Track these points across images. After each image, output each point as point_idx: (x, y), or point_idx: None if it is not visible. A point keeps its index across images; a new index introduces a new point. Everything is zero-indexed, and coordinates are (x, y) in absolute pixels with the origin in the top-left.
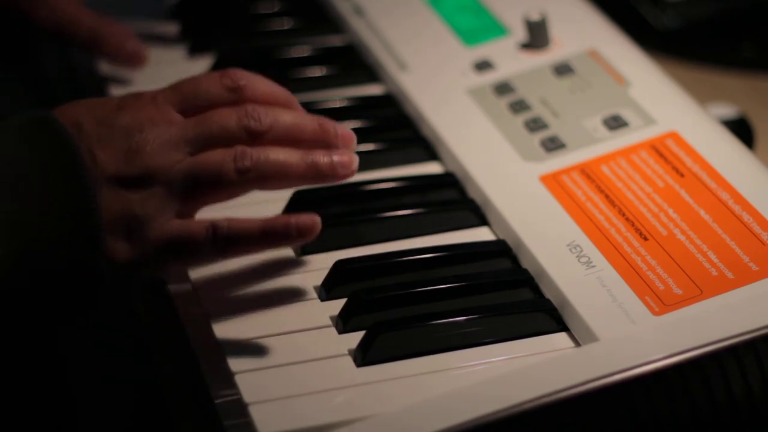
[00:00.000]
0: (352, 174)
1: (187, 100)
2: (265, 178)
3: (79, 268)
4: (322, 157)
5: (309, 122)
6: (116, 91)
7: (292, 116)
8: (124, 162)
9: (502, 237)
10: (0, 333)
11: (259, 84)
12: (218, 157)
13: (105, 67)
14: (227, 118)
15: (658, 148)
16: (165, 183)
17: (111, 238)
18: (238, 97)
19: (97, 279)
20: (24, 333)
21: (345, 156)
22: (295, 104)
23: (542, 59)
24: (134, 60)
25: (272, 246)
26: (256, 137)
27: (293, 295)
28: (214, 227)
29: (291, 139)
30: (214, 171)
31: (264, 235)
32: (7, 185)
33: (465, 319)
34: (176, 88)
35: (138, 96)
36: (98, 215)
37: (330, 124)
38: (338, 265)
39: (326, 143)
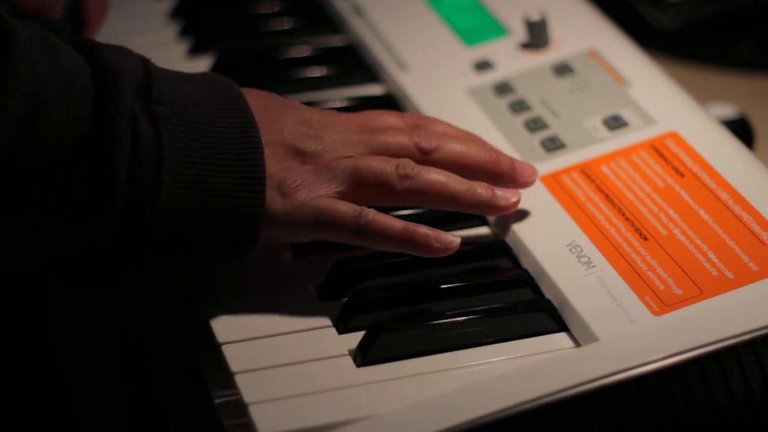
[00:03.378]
0: (511, 208)
1: (368, 120)
2: (423, 191)
3: (242, 201)
4: (481, 187)
5: (480, 151)
6: None
7: (462, 144)
8: (299, 138)
9: (502, 237)
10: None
11: (437, 122)
12: (383, 161)
13: None
14: (400, 133)
15: (658, 148)
16: (329, 167)
17: (270, 188)
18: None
19: (257, 218)
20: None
21: (507, 193)
22: (476, 141)
23: (542, 59)
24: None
25: (405, 250)
26: (425, 154)
27: (293, 295)
28: (360, 213)
29: (459, 164)
30: (377, 170)
31: (402, 238)
32: (197, 123)
33: (465, 319)
34: (360, 113)
35: (324, 109)
36: (262, 160)
37: (505, 158)
38: (338, 265)
39: (498, 174)
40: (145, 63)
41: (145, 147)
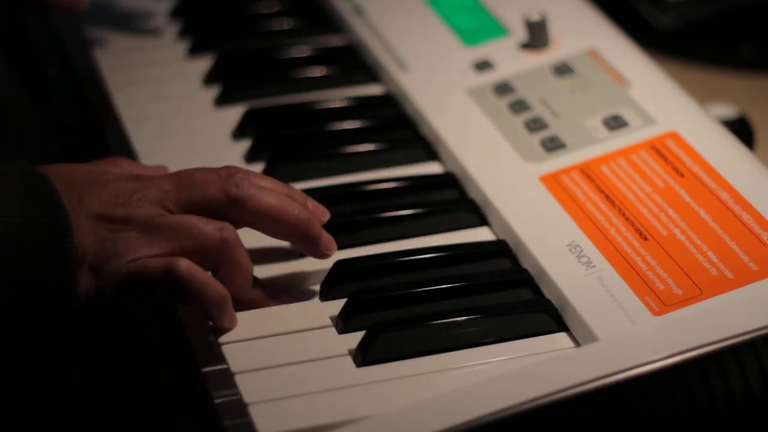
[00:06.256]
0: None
1: (180, 178)
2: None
3: (51, 285)
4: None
5: (296, 208)
6: (117, 91)
7: (278, 198)
8: (109, 206)
9: (502, 237)
10: None
11: (255, 175)
12: (200, 221)
13: (105, 68)
14: (211, 185)
15: (658, 148)
16: (142, 230)
17: (83, 269)
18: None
19: (66, 300)
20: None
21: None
22: (294, 195)
23: (542, 59)
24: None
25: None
26: (236, 203)
27: (293, 295)
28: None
29: (271, 218)
30: (195, 233)
31: (220, 303)
32: None
33: (465, 319)
34: (174, 173)
35: (136, 174)
36: (71, 240)
37: (317, 223)
38: (338, 265)
39: (306, 237)
40: None
41: None
